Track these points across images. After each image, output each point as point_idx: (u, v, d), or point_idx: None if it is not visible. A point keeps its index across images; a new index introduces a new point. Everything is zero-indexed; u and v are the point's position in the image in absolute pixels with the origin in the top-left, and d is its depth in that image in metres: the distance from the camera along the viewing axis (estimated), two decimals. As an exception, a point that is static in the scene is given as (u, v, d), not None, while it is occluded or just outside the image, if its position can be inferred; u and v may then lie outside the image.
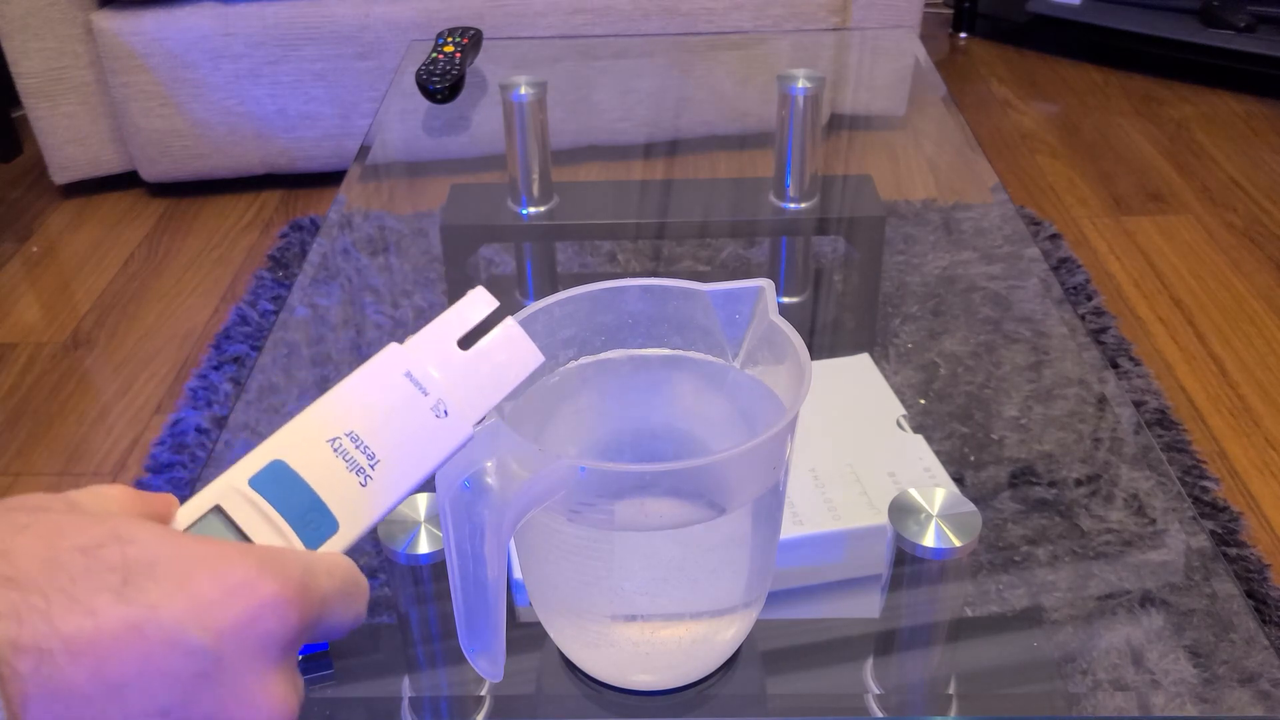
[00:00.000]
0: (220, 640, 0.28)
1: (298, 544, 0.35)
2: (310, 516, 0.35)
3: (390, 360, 0.39)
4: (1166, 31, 2.24)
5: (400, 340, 0.40)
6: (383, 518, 0.37)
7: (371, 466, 0.37)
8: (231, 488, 0.35)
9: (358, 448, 0.36)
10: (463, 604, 0.45)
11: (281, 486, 0.35)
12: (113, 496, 0.32)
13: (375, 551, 0.70)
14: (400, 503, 0.37)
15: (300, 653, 0.59)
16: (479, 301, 0.40)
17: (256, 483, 0.35)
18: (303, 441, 0.36)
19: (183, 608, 0.28)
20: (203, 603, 0.28)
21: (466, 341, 0.40)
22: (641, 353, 0.53)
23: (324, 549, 0.36)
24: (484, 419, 0.40)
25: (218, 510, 0.35)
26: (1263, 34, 2.17)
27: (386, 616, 0.67)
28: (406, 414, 0.37)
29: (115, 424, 1.39)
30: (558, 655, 0.55)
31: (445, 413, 0.38)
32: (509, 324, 0.41)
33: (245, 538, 0.35)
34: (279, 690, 0.30)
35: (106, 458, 1.33)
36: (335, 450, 0.36)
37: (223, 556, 0.29)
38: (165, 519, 0.34)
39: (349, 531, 0.36)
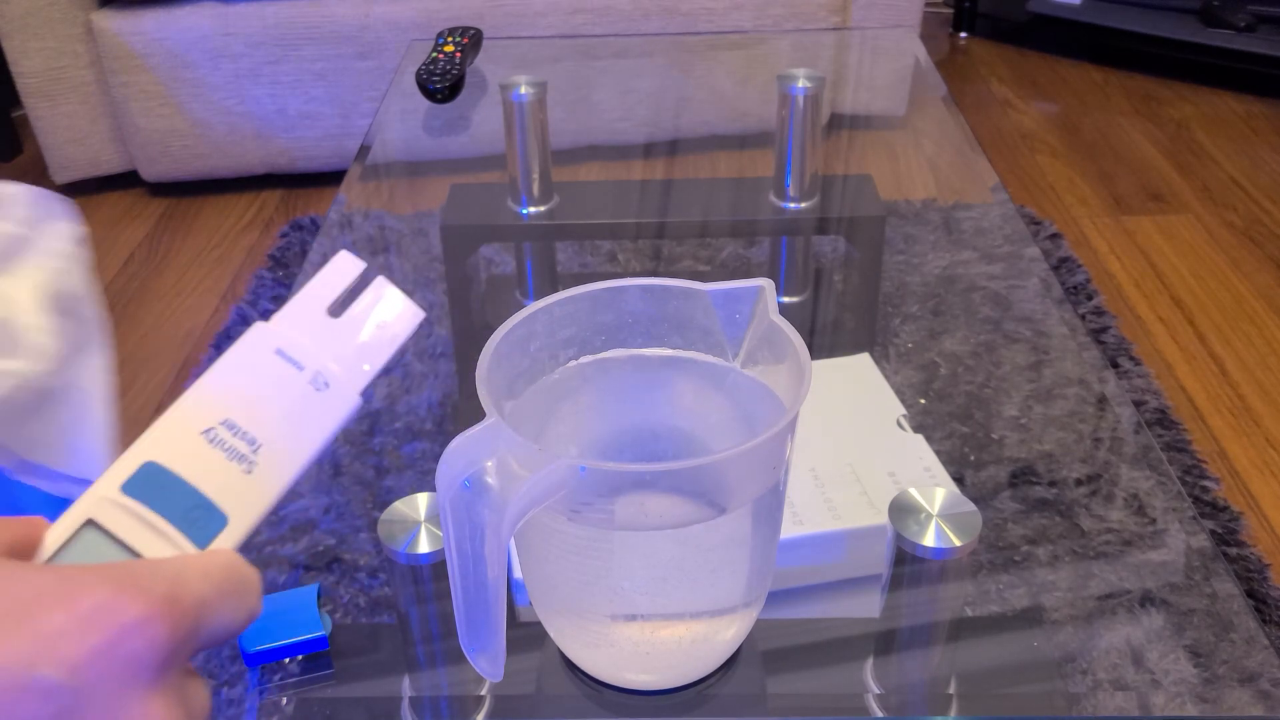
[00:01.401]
0: (76, 674, 0.26)
1: (187, 545, 0.33)
2: (195, 514, 0.33)
3: (257, 339, 0.36)
4: (1167, 31, 2.24)
5: (266, 318, 0.38)
6: (276, 503, 0.35)
7: (254, 452, 0.35)
8: (102, 499, 0.33)
9: (236, 435, 0.34)
10: (463, 604, 0.45)
11: (158, 488, 0.33)
12: None
13: (375, 551, 0.70)
14: (292, 485, 0.35)
15: (298, 652, 0.59)
16: (345, 266, 0.38)
17: (131, 488, 0.33)
18: (175, 438, 0.34)
19: (27, 647, 0.25)
20: (50, 637, 0.26)
21: (337, 308, 0.38)
22: (641, 352, 0.53)
23: (216, 544, 0.33)
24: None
25: (91, 525, 0.32)
26: (1263, 34, 2.17)
27: (386, 616, 0.67)
28: (283, 392, 0.35)
29: (115, 424, 1.39)
30: (558, 655, 0.55)
31: (325, 384, 0.36)
32: (380, 283, 0.38)
33: (128, 549, 0.32)
34: (158, 713, 0.27)
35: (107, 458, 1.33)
36: (211, 441, 0.34)
37: (70, 584, 0.27)
38: (31, 544, 0.31)
39: (240, 524, 0.34)
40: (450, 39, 1.28)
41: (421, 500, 0.57)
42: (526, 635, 0.56)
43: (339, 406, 0.36)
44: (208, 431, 0.34)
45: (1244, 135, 2.05)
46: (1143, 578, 0.69)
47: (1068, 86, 2.28)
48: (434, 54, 1.26)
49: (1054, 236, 1.68)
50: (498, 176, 1.07)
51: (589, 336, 0.53)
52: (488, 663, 0.47)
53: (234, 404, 0.35)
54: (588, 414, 0.54)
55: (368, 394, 0.38)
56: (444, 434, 0.84)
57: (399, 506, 0.57)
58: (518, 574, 0.58)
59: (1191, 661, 0.63)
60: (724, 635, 0.52)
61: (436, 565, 0.55)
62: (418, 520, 0.56)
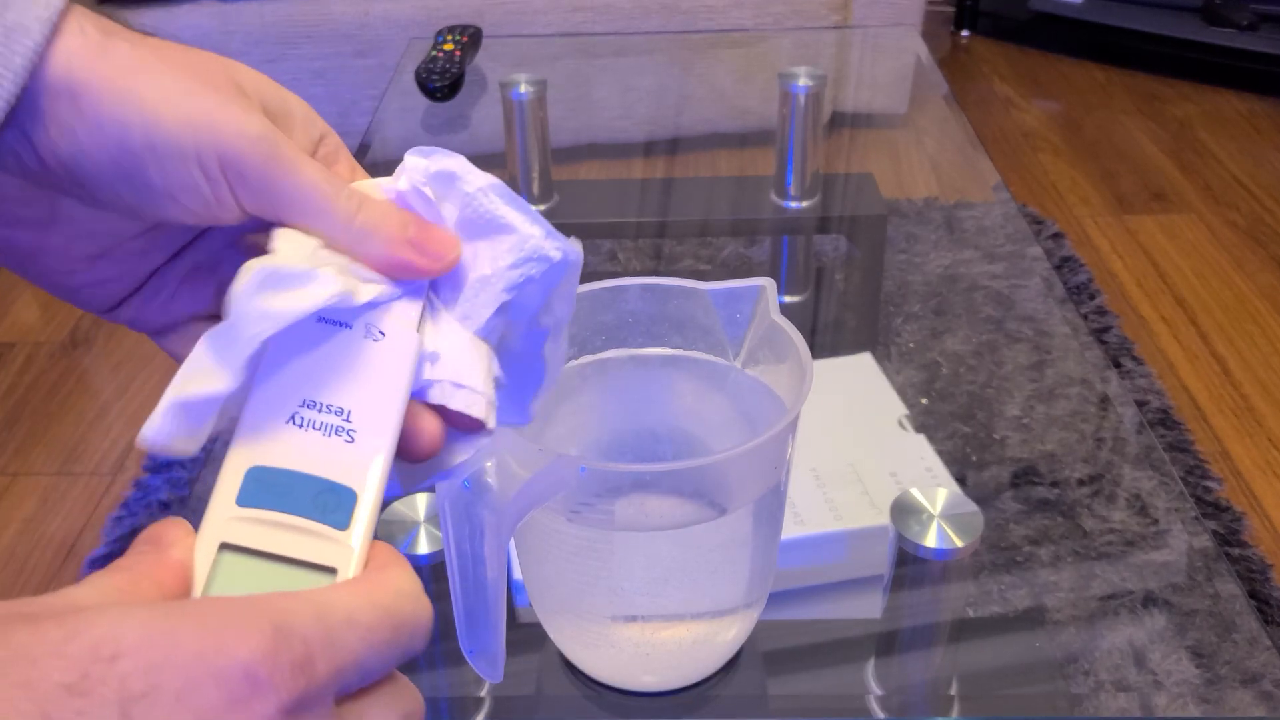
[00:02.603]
0: None
1: (328, 530, 0.32)
2: (322, 499, 0.32)
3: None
4: (1169, 30, 2.23)
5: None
6: (391, 463, 0.33)
7: (347, 420, 0.33)
8: (224, 519, 0.32)
9: (321, 411, 0.33)
10: (462, 604, 0.45)
11: (273, 489, 0.32)
12: (116, 587, 0.29)
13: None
14: (397, 441, 0.34)
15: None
16: None
17: (246, 499, 0.32)
18: (264, 436, 0.33)
19: None
20: (209, 716, 0.26)
21: None
22: (642, 352, 0.53)
23: (356, 521, 0.32)
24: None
25: (226, 549, 0.31)
26: (1265, 32, 2.17)
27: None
28: (345, 355, 0.34)
29: (114, 424, 1.38)
30: (558, 656, 0.55)
31: (381, 334, 0.34)
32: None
33: (273, 556, 0.31)
34: None
35: (105, 458, 1.33)
36: (301, 425, 0.33)
37: (219, 646, 0.27)
38: (183, 583, 0.31)
39: (369, 493, 0.33)
40: (450, 37, 1.28)
41: (421, 500, 0.57)
42: (526, 636, 0.56)
43: (401, 350, 0.34)
44: (293, 418, 0.33)
45: (1247, 134, 2.05)
46: (1145, 578, 0.69)
47: (1070, 85, 2.28)
48: (433, 52, 1.26)
49: (1056, 236, 1.68)
50: (498, 175, 1.06)
51: (589, 336, 0.52)
52: (487, 664, 0.46)
53: (304, 383, 0.33)
54: (588, 414, 0.54)
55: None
56: (444, 433, 0.83)
57: (398, 507, 0.57)
58: (518, 575, 0.57)
59: (1194, 662, 0.63)
60: (725, 636, 0.52)
61: (436, 565, 0.55)
62: (417, 520, 0.56)
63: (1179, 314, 1.55)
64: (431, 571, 0.56)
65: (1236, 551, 1.11)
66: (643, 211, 1.08)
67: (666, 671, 0.52)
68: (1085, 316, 1.47)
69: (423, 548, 0.55)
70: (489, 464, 0.43)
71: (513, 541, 0.46)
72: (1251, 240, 1.72)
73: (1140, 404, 1.32)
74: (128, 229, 0.35)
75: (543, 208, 1.02)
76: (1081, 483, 0.77)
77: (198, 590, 0.31)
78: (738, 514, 0.46)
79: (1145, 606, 0.67)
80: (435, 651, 0.60)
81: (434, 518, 0.56)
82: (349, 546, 0.32)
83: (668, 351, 0.53)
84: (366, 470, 0.33)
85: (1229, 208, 1.81)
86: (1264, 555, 1.12)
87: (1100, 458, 0.80)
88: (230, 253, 0.37)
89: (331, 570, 0.31)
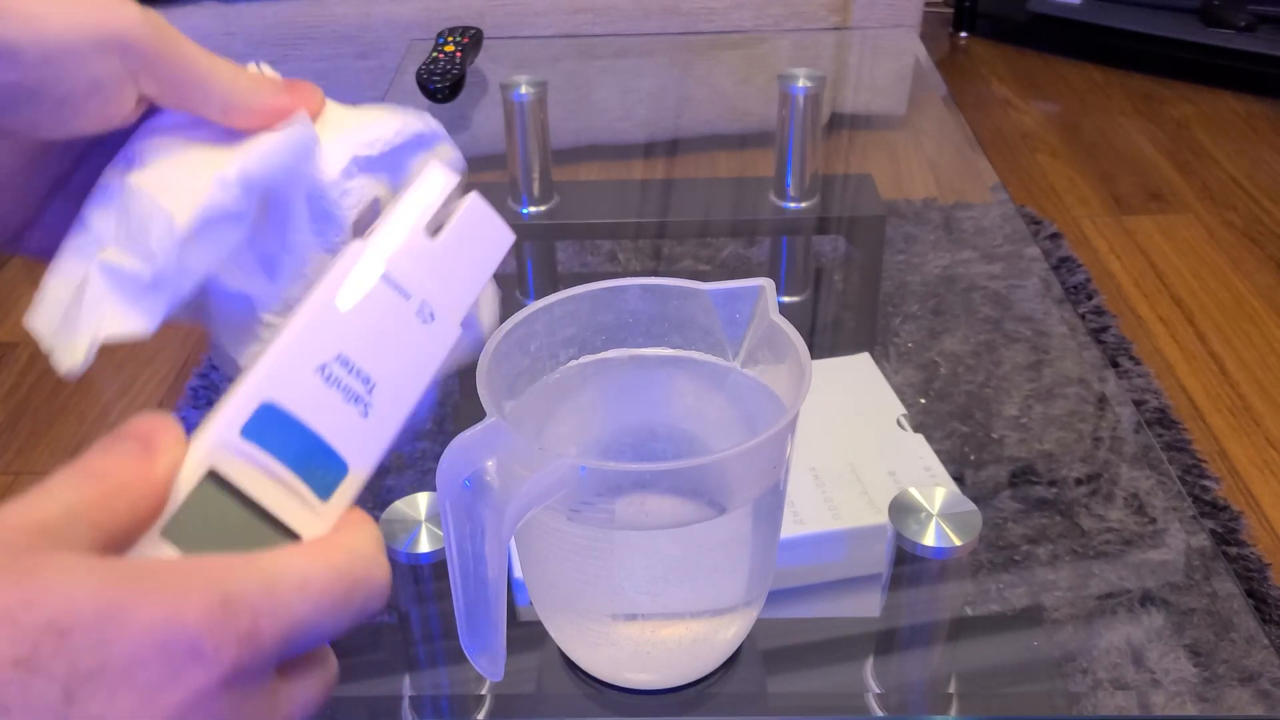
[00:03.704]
0: None
1: (309, 495, 0.31)
2: (317, 462, 0.31)
3: (363, 263, 0.32)
4: (1167, 31, 2.24)
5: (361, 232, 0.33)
6: (389, 451, 0.32)
7: (369, 392, 0.31)
8: (223, 443, 0.30)
9: (350, 373, 0.31)
10: (463, 603, 0.45)
11: (278, 432, 0.30)
12: (87, 503, 0.28)
13: (376, 551, 0.70)
14: (401, 431, 0.32)
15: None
16: (438, 179, 0.34)
17: (250, 432, 0.30)
18: (291, 374, 0.31)
19: (129, 707, 0.26)
20: (148, 689, 0.26)
21: (433, 228, 0.33)
22: (642, 352, 0.53)
23: (337, 497, 0.31)
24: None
25: (212, 477, 0.30)
26: (1263, 33, 2.17)
27: (387, 616, 0.67)
28: (393, 325, 0.32)
29: (116, 423, 1.38)
30: (558, 654, 0.55)
31: (431, 316, 0.33)
32: (475, 200, 0.34)
33: (251, 502, 0.30)
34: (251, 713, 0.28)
35: (107, 457, 1.33)
36: (327, 380, 0.31)
37: (168, 618, 0.27)
38: (158, 504, 0.30)
39: (359, 472, 0.31)
40: (451, 38, 1.28)
41: (422, 500, 0.57)
42: (527, 635, 0.56)
43: (442, 339, 0.33)
44: (322, 369, 0.31)
45: (1244, 135, 2.05)
46: (1143, 577, 0.69)
47: (1068, 86, 2.28)
48: (434, 53, 1.26)
49: (1054, 236, 1.68)
50: (498, 176, 1.07)
51: (589, 336, 0.53)
52: (488, 662, 0.47)
53: (346, 337, 0.31)
54: (588, 414, 0.54)
55: (468, 326, 0.34)
56: (444, 434, 0.83)
57: (399, 506, 0.57)
58: (518, 573, 0.58)
59: (1191, 661, 0.63)
60: (724, 634, 0.52)
61: (437, 565, 0.55)
62: (418, 520, 0.56)
63: (1176, 314, 1.55)
64: (432, 570, 0.56)
65: (1234, 550, 1.12)
66: (643, 212, 1.08)
67: (666, 669, 0.53)
68: (1083, 316, 1.48)
69: (424, 547, 0.55)
70: (490, 463, 0.44)
71: (513, 541, 0.46)
72: (1249, 240, 1.72)
73: (1138, 403, 1.33)
74: (12, 162, 0.36)
75: (543, 208, 1.03)
76: (1079, 482, 0.77)
77: (167, 514, 0.30)
78: (737, 513, 0.47)
79: (1143, 605, 0.67)
80: (436, 649, 0.61)
81: (435, 517, 0.56)
82: (323, 520, 0.31)
83: (668, 351, 0.53)
84: (367, 449, 0.32)
85: (1226, 208, 1.81)
86: (1261, 554, 1.12)
87: (1098, 457, 0.81)
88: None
89: (296, 538, 0.31)
